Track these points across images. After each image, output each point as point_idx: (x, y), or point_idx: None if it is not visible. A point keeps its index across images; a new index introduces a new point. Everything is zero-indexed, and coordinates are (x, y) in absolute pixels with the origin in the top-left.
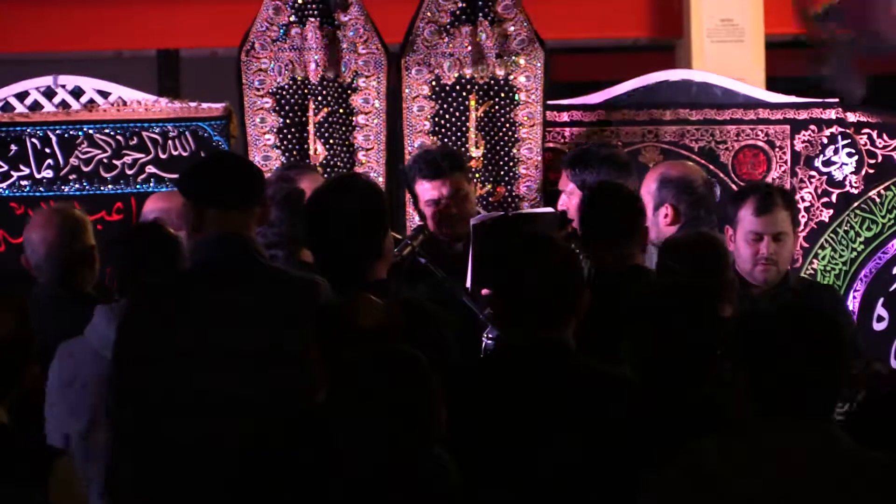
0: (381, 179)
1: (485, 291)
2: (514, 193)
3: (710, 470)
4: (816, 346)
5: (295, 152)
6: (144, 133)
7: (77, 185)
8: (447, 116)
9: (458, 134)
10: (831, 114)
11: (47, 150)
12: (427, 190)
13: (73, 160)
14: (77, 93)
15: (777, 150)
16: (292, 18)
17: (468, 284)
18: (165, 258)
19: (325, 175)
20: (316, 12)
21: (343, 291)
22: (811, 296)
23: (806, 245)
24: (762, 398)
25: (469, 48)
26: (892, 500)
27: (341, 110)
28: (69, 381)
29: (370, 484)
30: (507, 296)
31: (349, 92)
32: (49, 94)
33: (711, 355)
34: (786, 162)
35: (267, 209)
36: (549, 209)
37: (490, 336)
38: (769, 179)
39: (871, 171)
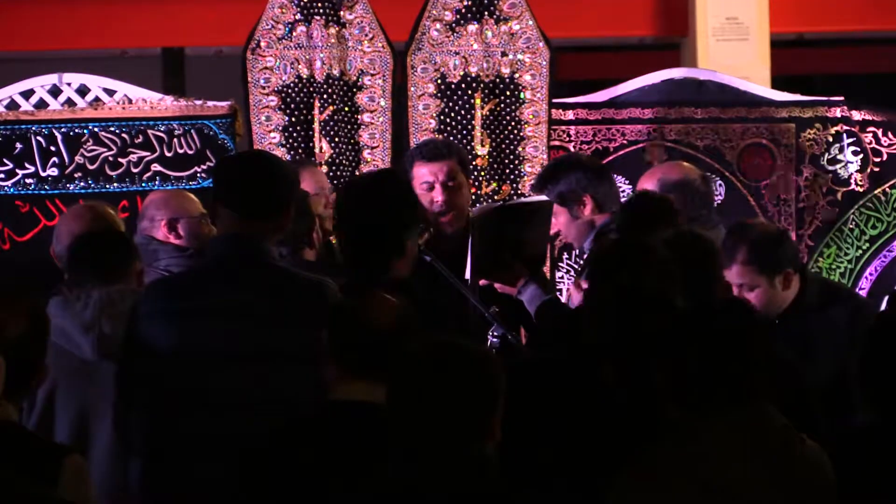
0: None
1: (483, 282)
2: (519, 191)
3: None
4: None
5: (300, 150)
6: (150, 131)
7: (82, 184)
8: (452, 114)
9: (464, 132)
10: (836, 112)
11: (52, 149)
12: (423, 173)
13: (78, 158)
14: (82, 91)
15: (782, 148)
16: (298, 16)
17: (468, 276)
18: None
19: (330, 173)
20: (321, 10)
21: (367, 288)
22: (829, 309)
23: (811, 243)
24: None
25: (475, 46)
26: None
27: (347, 108)
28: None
29: (417, 482)
30: None
31: (354, 90)
32: (54, 92)
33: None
34: (791, 160)
35: (290, 214)
36: (543, 197)
37: (496, 334)
38: (774, 178)
39: (876, 169)
